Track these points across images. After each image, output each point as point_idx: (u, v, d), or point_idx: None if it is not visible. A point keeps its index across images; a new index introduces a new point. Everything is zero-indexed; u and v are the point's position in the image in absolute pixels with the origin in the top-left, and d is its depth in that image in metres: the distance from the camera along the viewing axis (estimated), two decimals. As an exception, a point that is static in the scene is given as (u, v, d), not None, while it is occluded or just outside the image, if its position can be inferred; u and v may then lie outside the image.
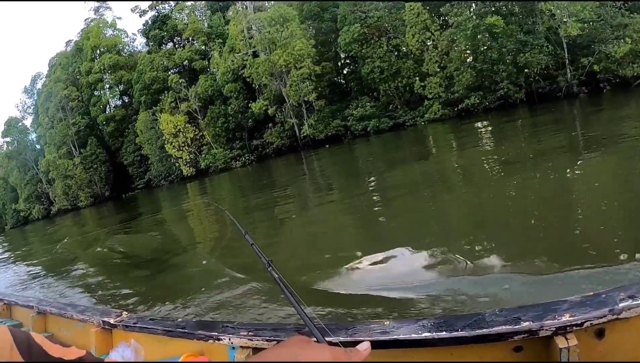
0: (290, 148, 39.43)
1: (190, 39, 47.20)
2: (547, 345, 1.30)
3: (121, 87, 52.74)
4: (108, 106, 53.94)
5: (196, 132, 43.92)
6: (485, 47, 28.08)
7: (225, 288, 5.48)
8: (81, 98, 53.81)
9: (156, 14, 49.97)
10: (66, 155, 53.00)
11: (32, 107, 60.98)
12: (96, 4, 54.55)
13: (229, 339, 1.87)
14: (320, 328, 1.03)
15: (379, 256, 5.49)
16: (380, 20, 34.23)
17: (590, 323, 1.24)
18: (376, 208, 9.14)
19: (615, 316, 1.22)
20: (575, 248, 4.44)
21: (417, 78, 33.22)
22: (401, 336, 1.44)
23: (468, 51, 29.29)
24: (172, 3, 50.03)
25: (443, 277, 4.42)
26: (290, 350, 0.71)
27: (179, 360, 2.06)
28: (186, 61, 46.05)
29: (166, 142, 43.81)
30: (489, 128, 21.01)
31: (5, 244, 30.22)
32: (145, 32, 50.66)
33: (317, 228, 8.86)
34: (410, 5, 32.50)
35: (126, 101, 53.96)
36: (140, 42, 55.59)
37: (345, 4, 35.97)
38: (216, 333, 1.93)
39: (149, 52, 49.16)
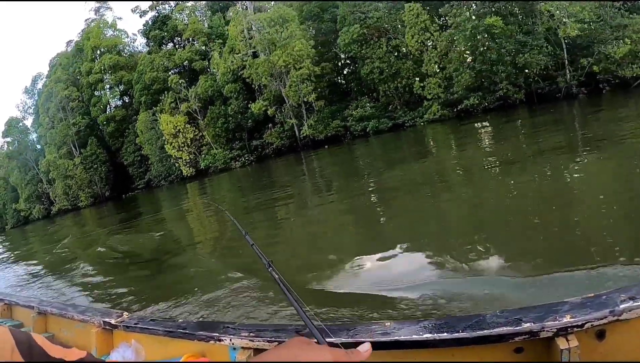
0: (289, 149, 39.43)
1: (190, 39, 47.21)
2: (548, 346, 1.30)
3: (121, 87, 52.77)
4: (108, 106, 53.94)
5: (196, 133, 43.92)
6: (484, 48, 28.02)
7: (225, 288, 5.47)
8: (81, 98, 53.84)
9: (156, 14, 50.02)
10: (66, 155, 53.04)
11: (33, 107, 61.00)
12: (97, 4, 54.63)
13: (230, 340, 1.87)
14: (320, 329, 1.03)
15: (379, 256, 5.53)
16: (379, 21, 34.21)
17: (591, 325, 1.24)
18: (376, 208, 9.17)
19: (615, 318, 1.23)
20: (576, 248, 4.44)
21: (416, 79, 33.16)
22: (402, 337, 1.44)
23: (467, 52, 29.25)
24: (172, 3, 50.08)
25: (443, 277, 4.43)
26: (290, 351, 0.71)
27: (180, 361, 2.06)
28: (186, 62, 46.06)
29: (166, 142, 43.82)
30: (488, 129, 21.03)
31: (6, 244, 30.23)
32: (146, 33, 50.68)
33: (317, 228, 8.89)
34: (410, 6, 32.45)
35: (126, 101, 53.98)
36: (140, 43, 55.71)
37: (344, 5, 35.96)
38: (217, 334, 1.93)
39: (149, 53, 49.17)
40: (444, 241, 5.71)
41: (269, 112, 38.69)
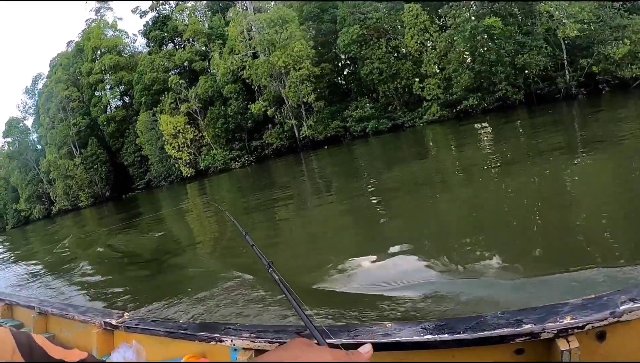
0: (289, 149, 39.44)
1: (190, 40, 47.21)
2: (549, 348, 1.31)
3: (122, 88, 52.84)
4: (109, 107, 53.98)
5: (196, 133, 43.94)
6: (483, 49, 28.01)
7: (226, 289, 5.48)
8: (82, 99, 53.92)
9: (157, 15, 50.01)
10: (67, 155, 53.12)
11: (33, 107, 61.07)
12: (97, 4, 54.69)
13: (231, 341, 1.87)
14: (320, 330, 1.03)
15: (379, 257, 5.54)
16: (379, 22, 34.18)
17: (592, 326, 1.25)
18: (375, 209, 9.15)
19: (616, 319, 1.23)
20: (576, 249, 4.45)
21: (416, 79, 33.12)
22: (403, 338, 1.44)
23: (467, 53, 29.24)
24: (172, 4, 50.08)
25: (442, 278, 4.44)
26: (291, 353, 0.71)
27: (181, 361, 2.07)
28: (186, 62, 46.05)
29: (166, 143, 43.85)
30: (488, 129, 21.02)
31: (6, 244, 30.21)
32: (146, 33, 50.69)
33: (316, 228, 8.89)
34: (409, 7, 32.41)
35: (127, 101, 54.03)
36: (140, 43, 55.73)
37: (344, 5, 35.92)
38: (218, 335, 1.93)
39: (149, 53, 49.19)
40: (444, 242, 5.71)
41: (268, 112, 38.68)
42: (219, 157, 42.11)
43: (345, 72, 43.69)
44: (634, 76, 23.59)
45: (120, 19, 63.19)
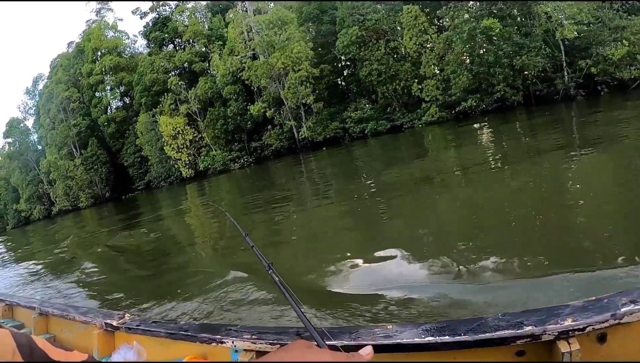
0: (288, 150, 39.45)
1: (190, 41, 47.26)
2: (550, 350, 1.31)
3: (122, 88, 52.92)
4: (109, 108, 54.06)
5: (195, 134, 43.98)
6: (482, 50, 28.00)
7: (226, 290, 5.48)
8: (82, 99, 54.01)
9: (157, 16, 50.05)
10: (67, 156, 53.22)
11: (34, 108, 61.23)
12: (98, 5, 54.79)
13: (232, 342, 1.87)
14: (321, 332, 1.03)
15: (379, 257, 5.53)
16: (378, 23, 34.19)
17: (592, 328, 1.25)
18: (375, 209, 9.14)
19: (617, 321, 1.23)
20: (576, 250, 4.47)
21: (415, 81, 33.10)
22: (404, 340, 1.44)
23: (465, 54, 29.24)
24: (172, 5, 50.14)
25: (442, 279, 4.45)
26: (291, 355, 0.71)
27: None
28: (186, 63, 46.11)
29: (165, 144, 43.90)
30: (486, 130, 21.00)
31: (7, 244, 30.24)
32: (146, 34, 50.73)
33: (316, 228, 8.90)
34: (408, 8, 32.42)
35: (127, 102, 54.12)
36: (141, 44, 55.79)
37: (343, 7, 35.94)
38: (219, 336, 1.93)
39: (149, 54, 49.23)
40: (444, 242, 5.69)
41: (267, 114, 38.69)
42: (219, 158, 42.14)
43: (345, 73, 43.66)
44: (632, 77, 23.49)
45: (121, 20, 63.61)
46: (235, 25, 39.88)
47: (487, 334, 1.34)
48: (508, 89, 27.65)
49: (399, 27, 33.86)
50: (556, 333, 1.27)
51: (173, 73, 46.63)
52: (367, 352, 0.82)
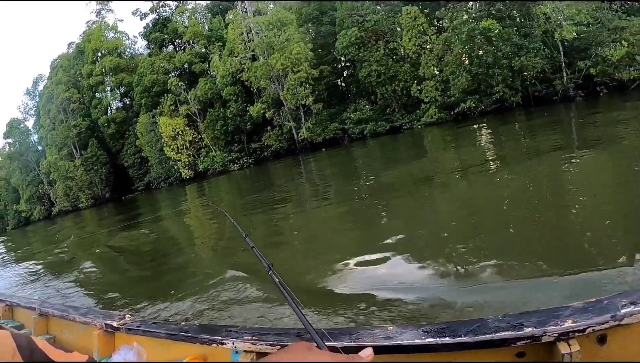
0: (288, 151, 39.49)
1: (190, 42, 47.30)
2: (550, 351, 1.31)
3: (122, 89, 52.95)
4: (109, 108, 54.08)
5: (195, 135, 44.02)
6: (480, 51, 27.96)
7: (226, 290, 5.49)
8: (82, 100, 54.03)
9: (157, 17, 50.10)
10: (67, 157, 53.24)
11: (34, 109, 61.28)
12: (98, 6, 54.85)
13: (233, 343, 1.86)
14: (320, 333, 1.04)
15: (379, 258, 5.52)
16: (377, 24, 34.19)
17: (592, 329, 1.25)
18: (374, 210, 9.15)
19: (617, 323, 1.23)
20: (576, 251, 4.48)
21: (414, 82, 33.07)
22: (404, 341, 1.44)
23: (464, 55, 29.24)
24: (172, 6, 50.20)
25: (442, 281, 4.44)
26: (291, 357, 0.72)
27: None
28: (186, 64, 46.12)
29: (165, 145, 43.93)
30: (485, 131, 21.02)
31: (7, 244, 30.27)
32: (146, 35, 50.79)
33: (315, 230, 8.90)
34: (407, 9, 32.48)
35: (127, 103, 54.15)
36: (141, 45, 55.85)
37: (343, 8, 35.95)
38: (219, 337, 1.92)
39: (149, 55, 49.26)
40: (444, 243, 5.68)
41: (267, 115, 38.72)
42: (218, 159, 42.15)
43: (344, 74, 43.63)
44: (631, 78, 23.49)
45: (121, 20, 63.62)
46: (235, 26, 39.92)
47: (487, 335, 1.34)
48: (507, 90, 27.65)
49: (398, 28, 33.85)
50: (556, 335, 1.27)
51: (173, 74, 46.63)
52: (367, 353, 0.82)
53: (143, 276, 8.54)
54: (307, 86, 36.27)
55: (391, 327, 1.54)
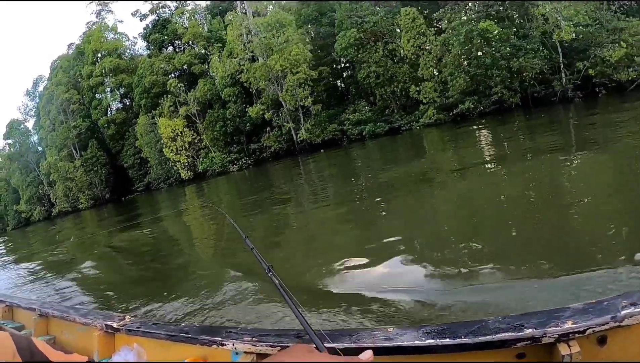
0: (287, 152, 39.53)
1: (190, 43, 47.30)
2: (550, 352, 1.30)
3: (122, 90, 52.89)
4: (109, 109, 54.04)
5: (194, 136, 44.02)
6: (479, 52, 27.95)
7: (226, 291, 5.48)
8: (82, 101, 53.99)
9: (157, 18, 50.09)
10: (67, 157, 53.21)
11: (34, 109, 61.19)
12: (98, 7, 54.87)
13: (233, 344, 1.86)
14: (320, 335, 1.04)
15: (378, 259, 5.52)
16: (376, 25, 34.20)
17: (593, 330, 1.25)
18: (373, 211, 9.16)
19: (617, 324, 1.23)
20: (576, 251, 4.49)
21: (413, 83, 33.09)
22: (405, 342, 1.43)
23: (464, 56, 29.27)
24: (172, 7, 50.20)
25: (442, 281, 4.44)
26: (291, 359, 0.72)
27: None
28: (186, 65, 46.10)
29: (164, 146, 43.94)
30: (484, 132, 21.01)
31: (7, 245, 30.27)
32: (146, 36, 50.82)
33: (314, 231, 8.91)
34: (406, 10, 32.51)
35: (127, 104, 54.12)
36: (141, 46, 55.81)
37: (342, 9, 35.98)
38: (220, 339, 1.92)
39: (149, 56, 49.24)
40: (443, 244, 5.68)
41: (266, 116, 38.75)
42: (217, 160, 42.15)
43: (344, 75, 43.60)
44: (630, 78, 23.58)
45: (121, 21, 63.66)
46: (234, 27, 39.92)
47: (487, 337, 1.34)
48: (505, 91, 27.68)
49: (397, 29, 33.85)
50: (556, 336, 1.27)
51: (172, 75, 46.66)
52: (366, 356, 0.82)
53: (143, 276, 8.54)
54: (306, 87, 36.29)
55: (391, 328, 1.54)
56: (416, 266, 5.05)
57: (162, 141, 44.18)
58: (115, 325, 2.55)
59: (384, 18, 34.62)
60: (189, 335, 2.07)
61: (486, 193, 8.22)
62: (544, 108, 24.74)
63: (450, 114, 30.89)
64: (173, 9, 50.07)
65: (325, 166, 24.36)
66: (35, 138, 61.36)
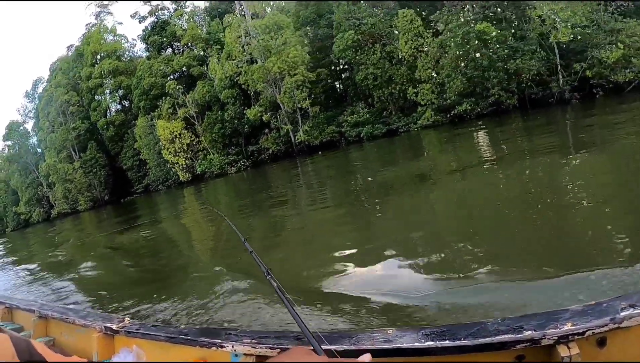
0: (285, 154, 39.53)
1: (189, 45, 47.31)
2: (549, 354, 1.31)
3: (121, 92, 52.85)
4: (108, 111, 54.03)
5: (192, 138, 44.03)
6: (476, 54, 27.92)
7: (225, 293, 5.48)
8: (81, 103, 53.99)
9: (155, 20, 50.10)
10: (66, 159, 53.18)
11: (33, 111, 61.16)
12: (97, 9, 54.90)
13: (232, 346, 1.86)
14: (318, 338, 1.08)
15: (377, 260, 5.53)
16: (374, 27, 34.19)
17: (592, 332, 1.26)
18: (371, 212, 9.17)
19: (616, 325, 1.24)
20: (575, 252, 4.48)
21: (410, 85, 33.05)
22: (404, 344, 1.44)
23: (462, 57, 29.31)
24: (171, 9, 50.18)
25: (441, 283, 4.44)
26: (291, 360, 0.73)
27: None
28: (184, 67, 46.11)
29: (163, 148, 43.93)
30: (481, 134, 21.01)
31: (7, 246, 30.25)
32: (145, 38, 50.82)
33: (313, 232, 8.90)
34: (404, 12, 32.50)
35: (126, 105, 54.13)
36: (140, 48, 55.82)
37: (340, 11, 35.96)
38: (219, 340, 1.92)
39: (148, 58, 49.24)
40: (442, 245, 5.66)
41: (264, 118, 38.79)
42: (216, 162, 42.16)
43: (342, 77, 43.56)
44: (627, 80, 23.53)
45: (120, 23, 63.71)
46: (232, 29, 39.94)
47: (486, 339, 1.35)
48: (503, 92, 27.60)
49: (395, 31, 33.84)
50: (556, 338, 1.28)
51: (171, 77, 46.68)
52: (365, 359, 0.84)
53: (142, 278, 8.52)
54: (304, 89, 36.30)
55: (391, 330, 1.55)
56: (415, 267, 5.04)
57: (160, 143, 44.19)
58: (114, 326, 2.56)
59: (382, 20, 34.56)
60: (189, 337, 2.08)
61: (485, 194, 8.23)
62: (542, 110, 24.74)
63: (448, 115, 30.83)
64: (172, 11, 50.03)
65: (324, 167, 24.35)
66: (34, 140, 61.44)
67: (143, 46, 53.25)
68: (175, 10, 49.89)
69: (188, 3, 50.80)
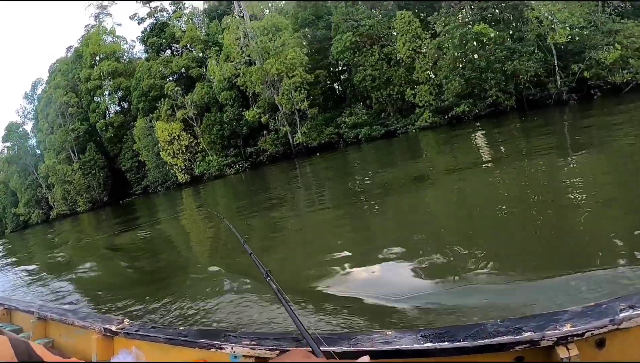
0: (284, 155, 39.55)
1: (187, 46, 47.37)
2: (549, 355, 1.31)
3: (120, 93, 52.97)
4: (107, 112, 54.07)
5: (191, 140, 44.06)
6: (475, 55, 27.97)
7: (224, 294, 5.47)
8: (80, 104, 54.06)
9: (154, 21, 50.15)
10: (65, 160, 53.21)
11: (32, 112, 61.32)
12: (96, 10, 54.93)
13: (231, 348, 1.85)
14: (319, 339, 1.08)
15: (376, 261, 5.51)
16: (372, 29, 34.23)
17: (591, 333, 1.26)
18: (370, 213, 9.16)
19: (615, 327, 1.25)
20: (574, 252, 4.47)
21: (408, 86, 33.08)
22: (403, 346, 1.44)
23: (460, 58, 29.34)
24: (170, 10, 50.21)
25: (440, 284, 4.43)
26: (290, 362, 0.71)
27: None
28: (183, 69, 46.18)
29: (161, 149, 43.95)
30: (479, 135, 21.05)
31: (6, 247, 30.20)
32: (144, 40, 50.85)
33: (311, 234, 8.88)
34: (401, 14, 32.52)
35: (125, 107, 54.17)
36: (139, 49, 55.97)
37: (338, 13, 36.00)
38: (218, 342, 1.92)
39: (147, 60, 49.32)
40: (441, 246, 5.61)
41: (262, 119, 38.81)
42: (214, 163, 42.19)
43: (342, 78, 43.59)
44: (625, 81, 23.51)
45: (119, 25, 63.48)
46: (231, 31, 39.97)
47: (486, 340, 1.35)
48: (501, 94, 27.61)
49: (393, 33, 33.89)
50: (555, 339, 1.28)
51: (170, 78, 46.69)
52: (364, 361, 0.85)
53: (141, 280, 8.52)
54: (302, 90, 36.33)
55: (390, 332, 1.54)
56: (414, 268, 5.04)
57: (159, 145, 44.19)
58: (113, 328, 2.55)
59: (380, 21, 34.61)
60: (188, 339, 2.08)
61: (483, 195, 8.22)
62: (539, 111, 24.72)
63: (446, 117, 30.87)
64: (171, 13, 50.12)
65: (322, 169, 24.33)
66: (33, 141, 61.59)
67: (142, 47, 53.41)
68: (174, 11, 49.97)
69: (187, 4, 51.06)
